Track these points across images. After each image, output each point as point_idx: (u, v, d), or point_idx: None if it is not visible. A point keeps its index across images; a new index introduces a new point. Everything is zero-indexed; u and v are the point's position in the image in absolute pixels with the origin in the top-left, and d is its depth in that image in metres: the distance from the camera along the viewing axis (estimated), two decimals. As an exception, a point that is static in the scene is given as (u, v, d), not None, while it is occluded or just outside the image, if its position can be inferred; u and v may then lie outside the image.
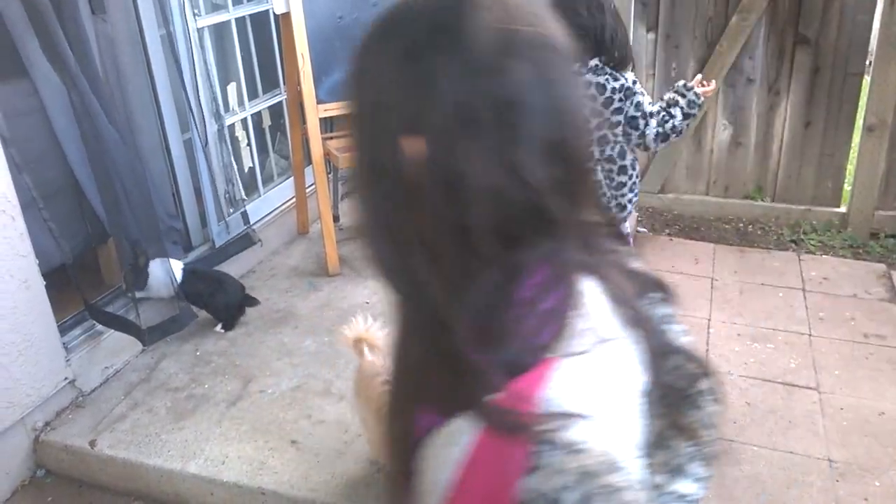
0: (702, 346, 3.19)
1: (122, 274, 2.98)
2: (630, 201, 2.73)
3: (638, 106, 2.58)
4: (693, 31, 4.15)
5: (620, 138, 2.62)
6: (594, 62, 2.53)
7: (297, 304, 3.39)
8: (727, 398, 2.83)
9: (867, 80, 3.96)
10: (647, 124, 2.61)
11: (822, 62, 3.99)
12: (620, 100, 2.56)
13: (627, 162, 2.68)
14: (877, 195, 4.02)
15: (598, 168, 2.60)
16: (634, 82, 2.60)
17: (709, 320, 3.38)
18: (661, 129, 2.62)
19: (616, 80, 2.54)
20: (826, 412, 2.79)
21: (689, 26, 4.15)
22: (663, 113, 2.64)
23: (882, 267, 3.80)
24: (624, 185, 2.68)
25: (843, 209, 4.17)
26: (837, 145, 4.11)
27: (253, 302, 3.30)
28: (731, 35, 4.04)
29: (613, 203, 2.68)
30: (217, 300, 3.15)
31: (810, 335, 3.25)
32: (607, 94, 2.53)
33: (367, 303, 3.38)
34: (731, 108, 4.23)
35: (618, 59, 2.53)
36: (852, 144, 4.13)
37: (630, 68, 2.61)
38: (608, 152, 2.62)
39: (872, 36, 3.91)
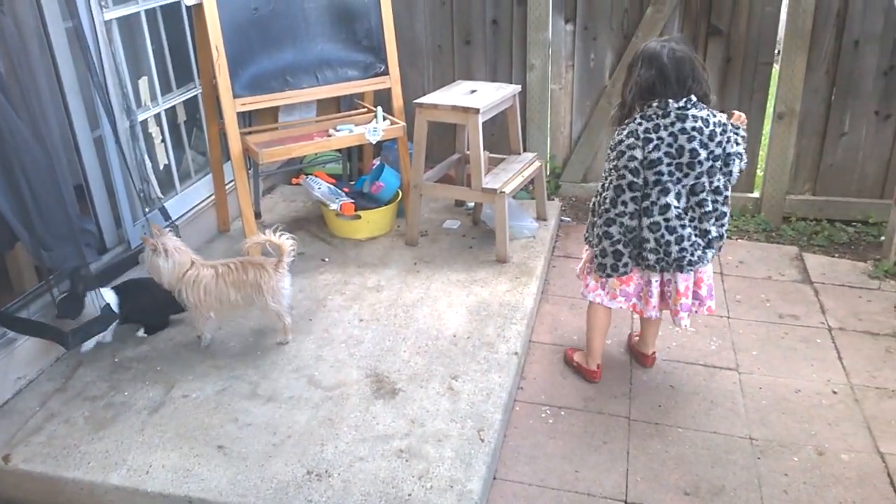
0: (626, 331, 3.26)
1: (53, 301, 2.86)
2: (725, 230, 2.66)
3: (737, 143, 2.58)
4: (610, 23, 4.22)
5: (722, 170, 2.59)
6: (685, 99, 2.51)
7: (220, 305, 3.30)
8: (652, 382, 2.91)
9: (776, 69, 4.11)
10: (739, 162, 2.61)
11: (734, 52, 4.12)
12: (721, 133, 2.53)
13: (729, 193, 2.62)
14: (787, 180, 4.18)
15: (708, 199, 2.57)
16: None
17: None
18: (742, 168, 2.65)
19: (715, 115, 2.55)
20: (746, 392, 2.88)
21: (606, 18, 4.22)
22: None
23: (794, 249, 3.96)
24: (725, 214, 2.62)
25: (756, 194, 4.32)
26: (749, 133, 4.22)
27: (181, 307, 3.19)
28: (646, 26, 4.13)
29: (715, 234, 2.62)
30: (152, 310, 3.12)
31: (728, 317, 3.36)
32: (711, 127, 2.51)
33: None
34: (648, 98, 4.31)
35: (701, 95, 2.54)
36: (763, 132, 4.28)
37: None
38: (715, 183, 2.57)
39: (780, 27, 4.06)
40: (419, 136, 3.66)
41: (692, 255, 2.60)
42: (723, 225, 2.63)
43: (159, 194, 3.52)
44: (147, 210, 3.43)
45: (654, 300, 2.75)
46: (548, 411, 2.80)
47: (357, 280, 3.49)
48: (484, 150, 3.59)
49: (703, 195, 2.56)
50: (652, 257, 2.62)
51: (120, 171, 3.29)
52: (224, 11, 3.34)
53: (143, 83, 3.50)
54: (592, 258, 2.76)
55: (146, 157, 3.45)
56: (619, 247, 2.61)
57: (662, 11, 4.07)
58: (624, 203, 2.56)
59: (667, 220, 2.55)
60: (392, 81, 3.83)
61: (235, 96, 3.41)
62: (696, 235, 2.60)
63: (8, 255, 3.19)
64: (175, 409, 2.65)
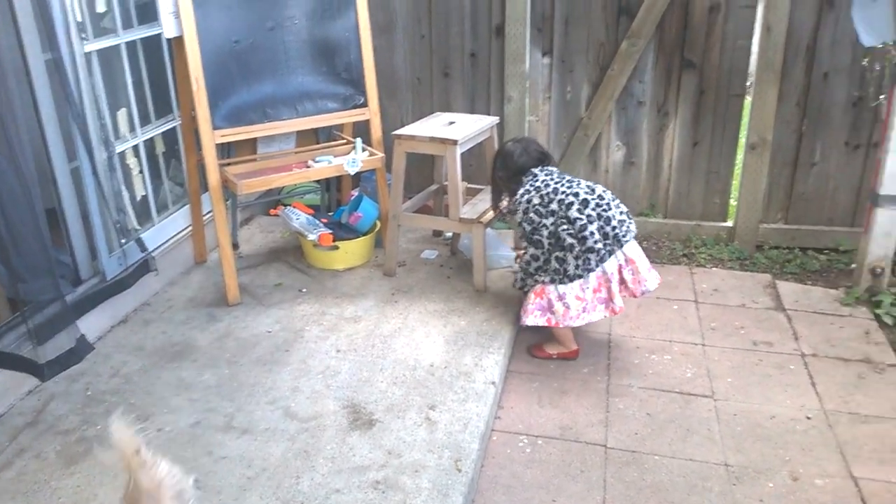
0: (603, 360, 3.28)
1: (28, 332, 2.74)
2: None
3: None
4: (586, 56, 4.30)
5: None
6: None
7: (195, 337, 3.28)
8: (628, 410, 2.92)
9: (748, 101, 4.19)
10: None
11: (707, 85, 4.20)
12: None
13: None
14: (760, 209, 4.24)
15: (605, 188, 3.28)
16: None
17: (609, 335, 3.48)
18: None
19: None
20: (721, 419, 2.90)
21: (583, 51, 4.29)
22: None
23: (767, 277, 4.00)
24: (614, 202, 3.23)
25: (730, 223, 4.37)
26: (723, 163, 4.33)
27: None
28: (621, 59, 4.20)
29: (625, 208, 3.25)
30: None
31: (704, 345, 3.39)
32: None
33: (269, 332, 3.31)
34: (623, 130, 4.38)
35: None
36: (736, 162, 4.35)
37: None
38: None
39: (752, 59, 4.15)
40: (397, 167, 3.69)
41: (622, 228, 3.13)
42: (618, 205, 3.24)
43: (136, 225, 3.52)
44: (123, 241, 3.42)
45: (615, 286, 3.13)
46: (525, 440, 2.80)
47: (334, 311, 3.49)
48: (462, 180, 3.63)
49: (600, 187, 3.22)
50: (599, 245, 3.06)
51: (96, 202, 3.28)
52: (204, 44, 3.38)
53: (121, 115, 3.51)
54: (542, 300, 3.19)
55: (123, 188, 3.45)
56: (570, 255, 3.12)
57: (637, 45, 4.15)
58: (545, 226, 3.13)
59: (593, 208, 3.10)
60: (371, 113, 3.87)
61: (215, 128, 3.43)
62: (621, 213, 3.18)
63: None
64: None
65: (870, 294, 3.73)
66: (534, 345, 3.34)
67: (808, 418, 2.90)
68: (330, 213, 4.27)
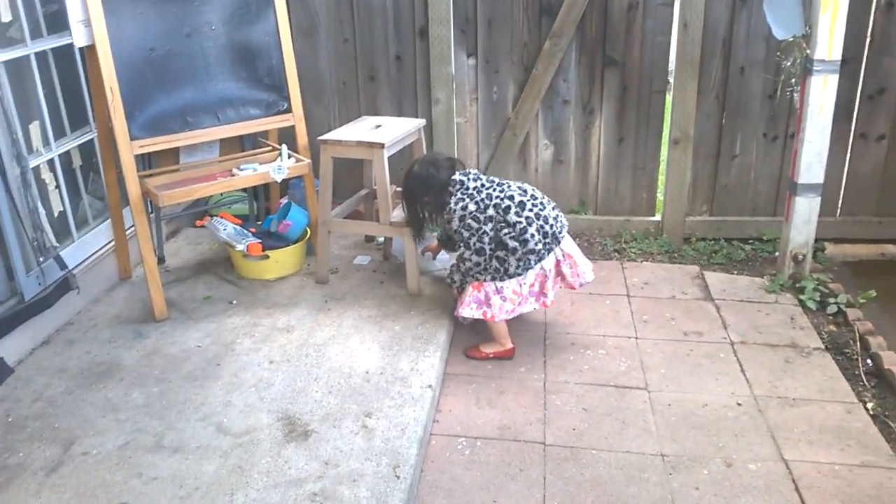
0: (539, 358, 3.29)
1: None
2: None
3: None
4: (511, 56, 4.32)
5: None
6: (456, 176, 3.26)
7: (121, 355, 3.17)
8: (566, 407, 2.94)
9: (670, 96, 4.28)
10: None
11: (629, 81, 4.27)
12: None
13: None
14: (686, 202, 4.34)
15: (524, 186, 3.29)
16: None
17: (544, 332, 3.50)
18: None
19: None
20: (656, 409, 2.94)
21: (507, 52, 4.31)
22: None
23: (695, 268, 4.10)
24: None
25: (657, 217, 4.46)
26: (648, 158, 4.41)
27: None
28: (545, 59, 4.24)
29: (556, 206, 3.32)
30: None
31: (636, 338, 3.44)
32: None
33: (199, 346, 3.22)
34: (550, 129, 4.42)
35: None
36: (661, 157, 4.44)
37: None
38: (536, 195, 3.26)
39: (671, 56, 4.24)
40: (325, 173, 3.63)
41: (557, 224, 3.20)
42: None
43: (54, 243, 3.38)
44: (41, 259, 3.28)
45: (550, 282, 3.23)
46: (464, 442, 2.79)
47: (266, 321, 3.41)
48: (391, 184, 3.60)
49: (529, 186, 3.25)
50: (539, 247, 3.12)
51: (11, 220, 3.14)
52: (118, 52, 3.27)
53: (34, 128, 3.37)
54: (478, 294, 3.21)
55: (39, 204, 3.30)
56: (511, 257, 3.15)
57: (559, 44, 4.20)
58: (485, 233, 3.12)
59: (530, 209, 3.13)
60: (295, 119, 3.81)
61: (133, 138, 3.32)
62: (553, 209, 3.23)
63: None
64: (74, 468, 2.51)
65: (793, 280, 3.86)
66: (470, 346, 3.33)
67: (739, 405, 2.97)
68: (258, 223, 4.19)
